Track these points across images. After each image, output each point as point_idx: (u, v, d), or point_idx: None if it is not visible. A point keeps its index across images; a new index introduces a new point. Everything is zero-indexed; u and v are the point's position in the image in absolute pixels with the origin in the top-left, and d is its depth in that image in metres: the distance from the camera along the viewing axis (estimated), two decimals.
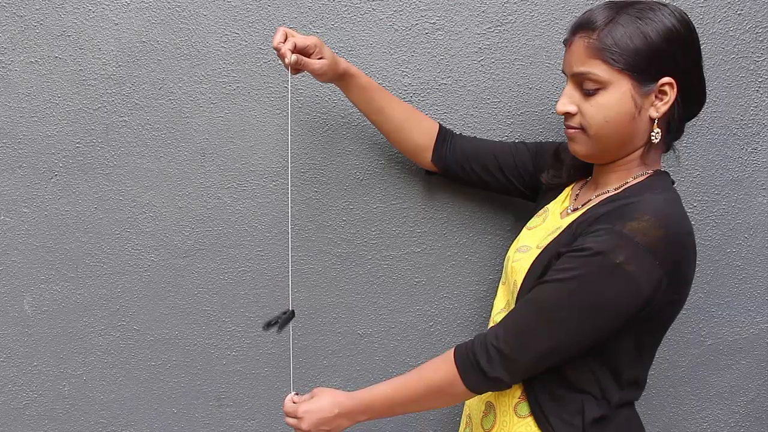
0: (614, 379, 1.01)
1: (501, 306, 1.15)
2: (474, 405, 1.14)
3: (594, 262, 0.94)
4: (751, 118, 1.40)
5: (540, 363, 0.98)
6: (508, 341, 0.96)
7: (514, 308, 1.02)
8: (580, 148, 1.04)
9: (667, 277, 0.93)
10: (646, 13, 0.97)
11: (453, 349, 1.02)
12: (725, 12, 1.36)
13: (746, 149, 1.41)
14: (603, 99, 0.98)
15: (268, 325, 1.14)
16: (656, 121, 1.00)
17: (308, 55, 1.15)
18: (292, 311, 1.16)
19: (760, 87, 1.39)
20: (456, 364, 1.00)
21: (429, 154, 1.28)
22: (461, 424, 1.21)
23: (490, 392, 1.09)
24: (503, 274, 1.18)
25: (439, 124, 1.29)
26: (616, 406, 1.02)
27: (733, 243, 1.44)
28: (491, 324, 1.16)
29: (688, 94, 1.01)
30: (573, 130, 1.03)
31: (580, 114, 1.01)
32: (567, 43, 1.04)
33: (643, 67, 0.96)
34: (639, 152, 1.03)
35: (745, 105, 1.39)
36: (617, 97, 0.98)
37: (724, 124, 1.40)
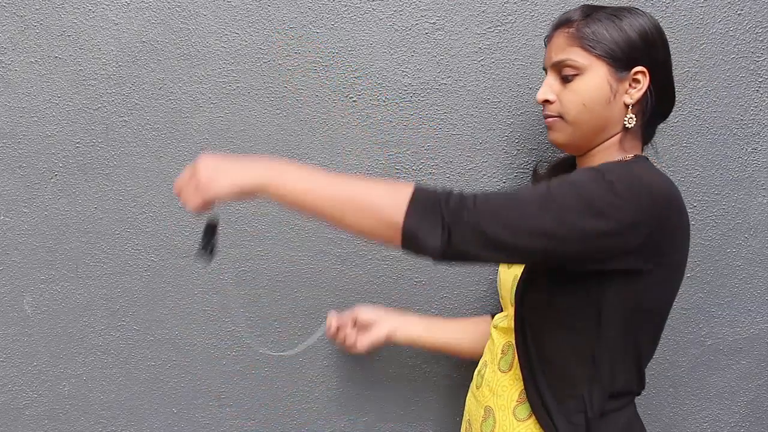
0: (614, 376, 1.01)
1: (496, 322, 1.16)
2: (473, 409, 1.14)
3: (586, 171, 0.95)
4: (751, 117, 1.40)
5: (499, 246, 0.89)
6: (486, 201, 0.90)
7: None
8: (558, 135, 1.08)
9: (648, 228, 0.92)
10: (621, 13, 1.05)
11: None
12: (725, 12, 1.36)
13: (746, 149, 1.41)
14: (581, 84, 1.04)
15: (203, 251, 1.01)
16: (630, 107, 1.04)
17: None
18: (210, 226, 1.00)
19: (760, 87, 1.39)
20: (414, 190, 0.90)
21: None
22: (462, 429, 1.20)
23: (487, 394, 1.09)
24: (498, 288, 1.21)
25: (487, 315, 1.33)
26: (617, 406, 1.02)
27: (733, 243, 1.44)
28: (492, 330, 1.17)
29: (660, 87, 1.06)
30: (552, 119, 1.08)
31: (559, 102, 1.07)
32: (547, 39, 1.11)
33: (618, 55, 1.02)
34: (616, 138, 1.07)
35: (746, 105, 1.39)
36: (595, 81, 1.03)
37: (724, 124, 1.40)
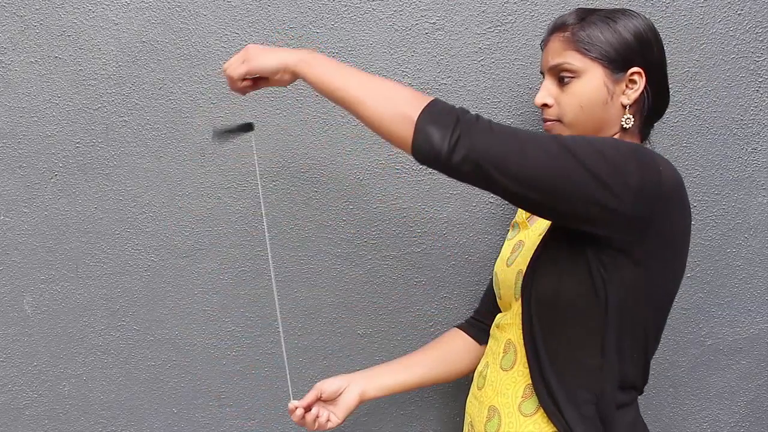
0: (623, 368, 1.01)
1: (498, 321, 1.16)
2: (475, 411, 1.13)
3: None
4: (751, 117, 1.40)
5: (502, 165, 0.89)
6: (501, 125, 0.92)
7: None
8: None
9: (650, 205, 0.93)
10: (615, 15, 1.07)
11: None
12: (725, 12, 1.36)
13: (746, 149, 1.41)
14: (578, 86, 1.06)
15: (220, 135, 1.12)
16: (627, 108, 1.06)
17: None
18: (251, 124, 1.12)
19: (760, 87, 1.39)
20: (434, 98, 0.94)
21: (479, 347, 1.27)
22: None
23: (490, 394, 1.09)
24: (495, 289, 1.20)
25: (457, 329, 1.30)
26: (625, 400, 1.03)
27: (733, 243, 1.44)
28: (494, 330, 1.16)
29: (656, 87, 1.08)
30: (550, 122, 1.10)
31: (557, 105, 1.08)
32: (543, 43, 1.12)
33: (613, 57, 1.04)
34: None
35: (746, 105, 1.39)
36: (592, 84, 1.05)
37: (724, 124, 1.40)
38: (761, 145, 1.41)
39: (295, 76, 1.01)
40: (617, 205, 0.91)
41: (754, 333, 1.48)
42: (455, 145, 0.89)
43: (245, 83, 1.05)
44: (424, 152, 0.91)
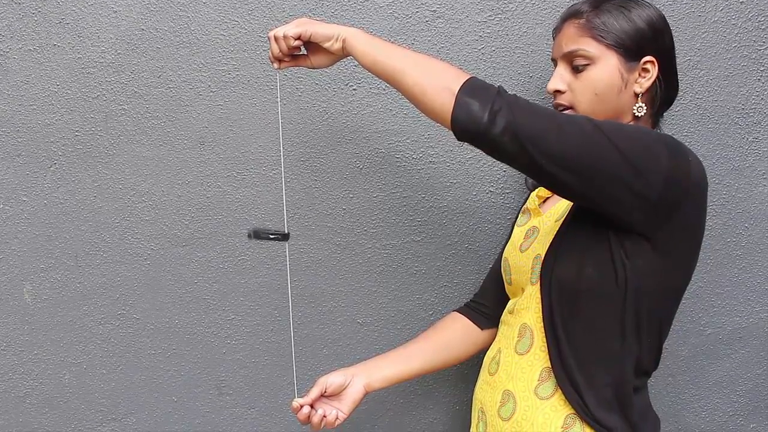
0: (641, 351, 1.02)
1: (511, 307, 1.15)
2: (487, 397, 1.12)
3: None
4: (752, 107, 1.40)
5: (537, 139, 0.91)
6: (540, 106, 0.95)
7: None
8: None
9: (677, 193, 0.95)
10: (629, 4, 1.07)
11: None
12: (726, 0, 1.36)
13: (747, 138, 1.41)
14: (592, 73, 1.07)
15: (256, 235, 1.14)
16: (640, 96, 1.07)
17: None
18: (288, 234, 1.15)
19: (761, 76, 1.39)
20: (471, 75, 0.96)
21: (480, 331, 1.27)
22: (473, 420, 1.18)
23: (504, 379, 1.08)
24: (505, 274, 1.19)
25: (456, 313, 1.29)
26: (640, 384, 1.04)
27: (733, 232, 1.44)
28: (507, 317, 1.16)
29: (667, 76, 1.09)
30: (562, 109, 1.10)
31: (570, 91, 1.09)
32: (556, 31, 1.13)
33: (628, 44, 1.05)
34: None
35: (747, 94, 1.39)
36: (607, 71, 1.06)
37: (725, 113, 1.39)
38: (762, 135, 1.41)
39: (343, 48, 1.04)
40: (646, 190, 0.93)
41: (753, 322, 1.48)
42: (495, 117, 0.91)
43: (294, 47, 1.06)
44: (463, 123, 0.93)
